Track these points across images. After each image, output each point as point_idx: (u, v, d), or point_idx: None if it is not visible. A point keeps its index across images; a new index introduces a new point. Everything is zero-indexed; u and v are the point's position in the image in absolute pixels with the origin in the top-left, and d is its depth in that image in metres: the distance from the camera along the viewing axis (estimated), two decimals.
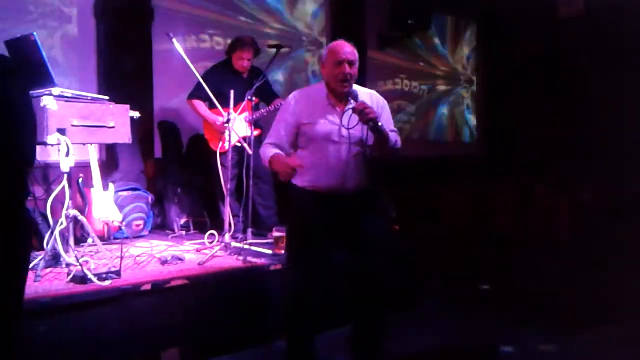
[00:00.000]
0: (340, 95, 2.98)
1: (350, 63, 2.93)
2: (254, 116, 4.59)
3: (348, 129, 2.93)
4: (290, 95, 3.12)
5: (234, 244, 4.22)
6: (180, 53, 4.23)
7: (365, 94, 3.06)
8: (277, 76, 6.37)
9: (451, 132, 9.01)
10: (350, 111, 2.91)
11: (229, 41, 5.11)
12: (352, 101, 2.92)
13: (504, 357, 3.66)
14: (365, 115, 2.82)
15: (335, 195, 3.00)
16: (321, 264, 3.12)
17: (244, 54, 4.77)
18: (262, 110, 4.72)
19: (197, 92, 4.61)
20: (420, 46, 8.36)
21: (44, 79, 3.52)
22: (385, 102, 3.16)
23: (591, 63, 7.77)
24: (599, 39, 7.62)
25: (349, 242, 3.12)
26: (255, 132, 4.54)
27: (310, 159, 2.98)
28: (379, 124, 2.86)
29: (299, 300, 3.10)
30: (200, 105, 4.70)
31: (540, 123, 8.25)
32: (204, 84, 4.33)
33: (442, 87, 8.82)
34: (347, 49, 2.96)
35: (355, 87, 3.02)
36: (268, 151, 3.01)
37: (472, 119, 9.33)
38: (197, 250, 4.26)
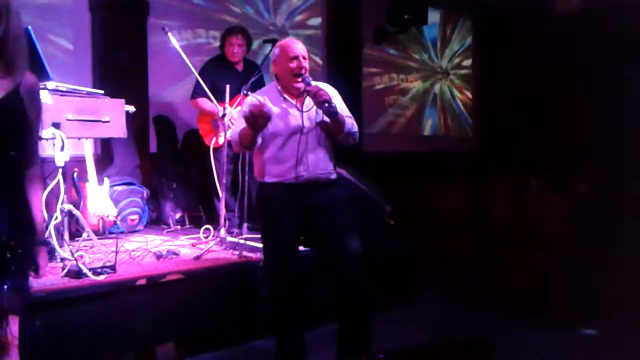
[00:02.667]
0: (293, 91, 3.11)
1: (304, 57, 3.09)
2: None
3: (302, 112, 3.05)
4: (248, 99, 3.24)
5: (229, 238, 4.22)
6: (176, 47, 4.22)
7: (320, 84, 3.17)
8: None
9: (446, 128, 9.02)
10: (305, 94, 3.05)
11: None
12: (305, 86, 3.05)
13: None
14: (319, 97, 2.96)
15: (304, 186, 3.08)
16: (298, 259, 3.17)
17: (233, 39, 4.76)
18: None
19: (198, 90, 4.60)
20: (416, 42, 8.35)
21: (39, 73, 3.49)
22: (336, 91, 3.25)
23: (588, 59, 7.77)
24: (597, 35, 7.63)
25: (319, 236, 3.17)
26: None
27: (275, 154, 3.08)
28: (333, 105, 2.98)
29: (281, 297, 3.14)
30: (205, 102, 4.66)
31: (535, 119, 8.26)
32: (201, 82, 4.33)
33: (437, 83, 8.83)
34: (300, 45, 3.13)
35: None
36: (234, 133, 3.13)
37: (467, 115, 9.34)
38: (193, 245, 4.26)
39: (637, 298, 3.90)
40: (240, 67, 4.85)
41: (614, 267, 4.42)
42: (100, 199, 4.39)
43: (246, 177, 4.33)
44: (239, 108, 4.53)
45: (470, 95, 9.34)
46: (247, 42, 4.83)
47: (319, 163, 3.12)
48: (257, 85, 4.58)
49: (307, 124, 3.07)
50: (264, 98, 3.14)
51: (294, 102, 3.11)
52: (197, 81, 4.41)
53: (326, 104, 2.96)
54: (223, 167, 4.38)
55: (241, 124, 3.05)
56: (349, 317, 3.19)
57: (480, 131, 9.29)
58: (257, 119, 2.88)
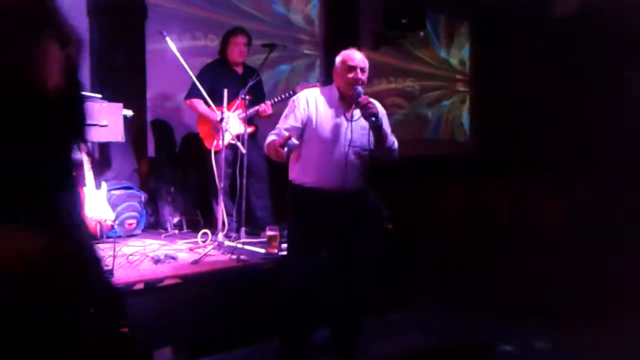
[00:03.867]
0: (347, 100, 3.14)
1: (362, 70, 3.14)
2: (248, 113, 4.58)
3: (351, 121, 3.09)
4: (301, 94, 3.24)
5: (227, 242, 4.21)
6: (173, 52, 4.21)
7: (372, 100, 3.21)
8: (274, 75, 6.36)
9: (445, 131, 9.03)
10: (354, 106, 3.09)
11: None
12: (356, 97, 3.08)
13: (503, 354, 3.67)
14: (367, 109, 3.00)
15: (334, 195, 3.11)
16: (320, 261, 3.22)
17: (238, 39, 4.76)
18: (251, 110, 4.65)
19: (194, 91, 4.58)
20: (414, 46, 8.36)
21: None
22: (383, 110, 3.28)
23: (588, 60, 7.78)
24: (596, 36, 7.64)
25: (341, 244, 3.21)
26: (249, 130, 4.52)
27: (314, 158, 3.12)
28: (380, 119, 3.03)
29: (298, 298, 3.16)
30: (200, 104, 4.66)
31: (535, 122, 8.26)
32: (198, 84, 4.32)
33: (436, 87, 8.84)
34: (359, 57, 3.19)
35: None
36: (268, 140, 3.13)
37: (466, 118, 9.35)
38: (191, 250, 4.25)
39: (638, 299, 3.90)
40: (239, 70, 4.85)
41: (614, 268, 4.42)
42: (98, 203, 4.38)
43: (244, 181, 4.33)
44: (238, 112, 4.54)
45: (470, 98, 9.35)
46: (249, 43, 4.84)
47: (356, 175, 3.16)
48: (256, 90, 4.59)
49: (352, 135, 3.10)
50: (317, 96, 3.17)
51: (346, 114, 3.14)
52: (193, 82, 4.41)
53: (373, 118, 3.00)
54: (222, 171, 4.37)
55: (284, 124, 3.13)
56: (346, 322, 3.22)
57: (478, 133, 9.30)
58: (275, 150, 2.97)
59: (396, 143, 3.27)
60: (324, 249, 3.29)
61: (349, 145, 3.09)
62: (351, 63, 3.13)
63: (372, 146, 3.15)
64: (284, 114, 3.23)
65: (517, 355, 3.64)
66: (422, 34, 8.17)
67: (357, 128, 3.12)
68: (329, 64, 7.32)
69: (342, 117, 3.13)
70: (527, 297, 4.37)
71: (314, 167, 3.12)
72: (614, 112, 7.30)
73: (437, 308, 4.45)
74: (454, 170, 7.33)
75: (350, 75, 3.11)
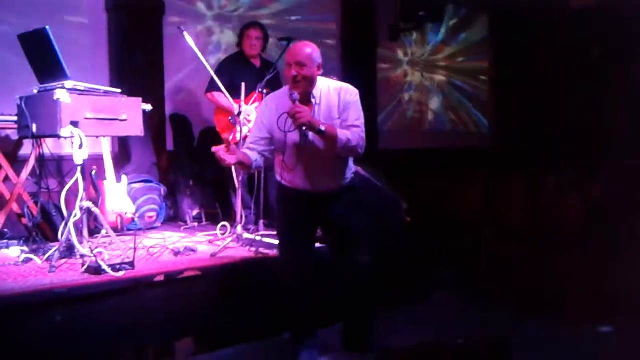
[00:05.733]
0: (304, 97, 2.98)
1: (299, 64, 2.91)
2: None
3: (285, 132, 2.91)
4: (267, 99, 3.20)
5: (246, 235, 4.23)
6: (191, 46, 4.24)
7: (333, 90, 3.05)
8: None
9: (462, 124, 8.97)
10: (285, 115, 2.90)
11: None
12: (323, 96, 2.98)
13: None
14: (296, 120, 2.82)
15: (316, 194, 3.11)
16: (311, 256, 3.23)
17: (252, 33, 4.79)
18: None
19: (214, 85, 4.60)
20: (431, 38, 8.32)
21: (57, 72, 3.55)
22: (356, 95, 3.08)
23: (608, 55, 7.68)
24: (614, 30, 7.53)
25: (333, 235, 3.25)
26: None
27: (286, 162, 3.07)
28: (319, 126, 2.84)
29: (294, 292, 3.19)
30: (221, 97, 4.65)
31: (552, 115, 8.18)
32: (215, 78, 4.34)
33: (453, 79, 8.78)
34: (297, 50, 2.95)
35: (323, 82, 3.05)
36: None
37: (484, 111, 9.27)
38: (210, 242, 4.29)
39: None
40: (257, 63, 4.88)
41: (630, 265, 4.37)
42: (119, 196, 4.44)
43: (262, 174, 4.35)
44: (255, 105, 4.55)
45: (488, 91, 9.28)
46: (265, 37, 4.86)
47: (324, 178, 3.10)
48: (273, 83, 4.60)
49: (313, 137, 2.92)
50: (275, 100, 3.09)
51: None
52: (212, 76, 4.43)
53: (304, 128, 2.83)
54: None
55: (256, 132, 3.11)
56: (355, 315, 3.22)
57: (497, 127, 9.23)
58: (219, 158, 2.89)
59: (357, 139, 2.98)
60: (313, 244, 3.30)
61: (310, 150, 2.95)
62: (287, 59, 2.94)
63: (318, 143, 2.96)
64: (254, 122, 3.22)
65: (533, 346, 3.62)
66: (438, 25, 8.15)
67: (289, 128, 2.90)
68: (346, 56, 7.38)
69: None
70: (544, 292, 4.35)
71: (287, 171, 3.09)
72: (631, 104, 7.21)
73: (454, 303, 4.44)
74: (471, 164, 7.29)
75: (288, 73, 2.92)
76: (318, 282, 3.24)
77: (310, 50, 2.96)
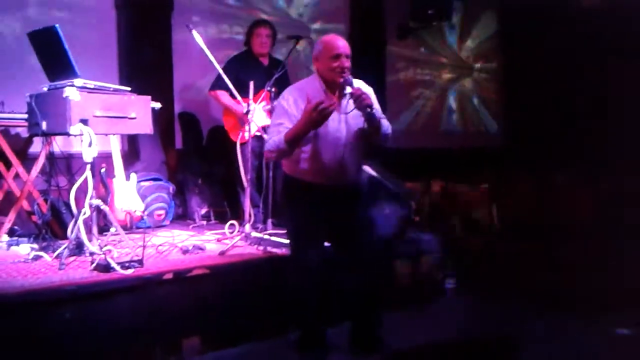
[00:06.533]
0: (334, 87, 3.03)
1: (347, 57, 2.99)
2: (273, 105, 4.58)
3: (345, 113, 2.97)
4: (286, 94, 3.10)
5: (254, 234, 4.23)
6: (200, 44, 4.24)
7: (357, 82, 3.09)
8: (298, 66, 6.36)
9: (472, 123, 8.94)
10: (347, 96, 2.95)
11: None
12: (347, 88, 2.96)
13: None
14: (362, 100, 2.87)
15: (332, 188, 3.07)
16: (321, 252, 3.19)
17: (262, 31, 4.78)
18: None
19: (219, 83, 4.61)
20: (440, 36, 8.29)
21: (67, 70, 3.56)
22: (371, 90, 3.17)
23: (615, 52, 7.63)
24: (623, 28, 7.48)
25: (342, 236, 3.20)
26: None
27: (310, 153, 3.02)
28: (375, 110, 2.94)
29: (304, 289, 3.16)
30: (224, 95, 4.68)
31: (561, 113, 8.14)
32: (224, 76, 4.34)
33: (462, 78, 8.75)
34: (343, 43, 3.01)
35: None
36: (276, 138, 2.98)
37: (493, 109, 9.24)
38: (218, 240, 4.29)
39: None
40: (265, 62, 4.87)
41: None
42: (128, 194, 4.45)
43: (271, 173, 4.35)
44: (263, 103, 4.55)
45: (494, 89, 9.24)
46: (273, 35, 4.85)
47: (351, 168, 3.10)
48: (281, 82, 4.59)
49: (345, 126, 3.01)
50: (301, 94, 3.03)
51: (335, 101, 3.00)
52: (219, 74, 4.42)
53: (368, 109, 2.89)
54: (248, 163, 4.40)
55: (281, 127, 2.97)
56: (362, 315, 3.22)
57: (505, 125, 9.19)
58: (322, 116, 2.81)
59: (390, 127, 3.14)
60: (326, 242, 3.27)
61: (345, 138, 3.01)
62: (336, 51, 2.97)
63: (366, 127, 3.02)
64: (274, 117, 3.12)
65: (545, 342, 3.60)
66: (448, 24, 8.11)
67: (350, 119, 3.00)
68: (354, 55, 7.35)
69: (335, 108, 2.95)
70: (555, 289, 4.33)
71: (310, 164, 3.03)
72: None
73: (463, 301, 4.42)
74: (480, 161, 7.27)
75: (336, 64, 2.95)
76: (327, 281, 3.23)
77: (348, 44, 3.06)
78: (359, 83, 3.09)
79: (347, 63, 2.97)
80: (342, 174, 3.06)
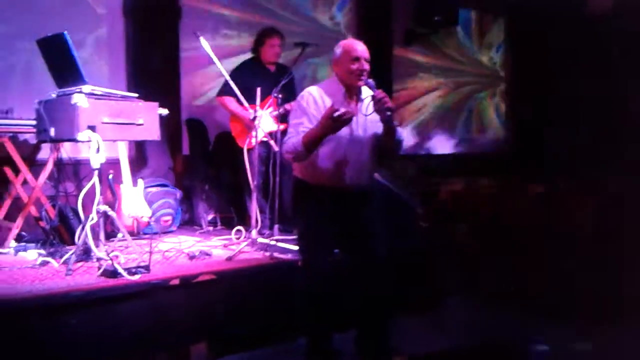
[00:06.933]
0: (353, 91, 3.07)
1: (366, 60, 3.04)
2: (280, 111, 4.59)
3: (366, 115, 3.00)
4: (305, 94, 3.10)
5: (260, 239, 4.24)
6: (207, 51, 4.26)
7: (365, 89, 3.12)
8: (305, 72, 6.38)
9: (477, 129, 8.92)
10: (369, 99, 2.99)
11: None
12: (368, 90, 3.00)
13: (537, 354, 3.61)
14: (383, 103, 2.91)
15: (345, 192, 3.07)
16: (331, 259, 3.20)
17: (274, 41, 4.80)
18: (287, 105, 4.68)
19: (226, 89, 4.62)
20: (447, 42, 8.29)
21: (75, 77, 3.58)
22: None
23: (621, 59, 7.61)
24: (630, 35, 7.46)
25: (355, 242, 3.19)
26: (282, 127, 4.55)
27: (326, 156, 3.03)
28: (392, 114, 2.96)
29: (315, 294, 3.14)
30: (231, 102, 4.71)
31: (567, 120, 8.12)
32: (231, 82, 4.36)
33: (469, 84, 8.74)
34: (362, 47, 3.07)
35: None
36: (294, 140, 2.99)
37: (499, 116, 9.22)
38: (225, 246, 4.30)
39: None
40: (272, 69, 4.89)
41: None
42: (135, 200, 4.47)
43: (277, 179, 4.36)
44: (269, 110, 4.56)
45: (503, 96, 9.23)
46: (283, 43, 4.88)
47: (364, 173, 3.12)
48: (288, 88, 4.61)
49: (362, 130, 3.04)
50: (323, 94, 3.06)
51: (352, 104, 3.06)
52: (226, 80, 4.44)
53: (388, 113, 2.93)
54: (255, 169, 4.40)
55: (300, 127, 2.98)
56: (368, 322, 3.21)
57: (512, 132, 9.17)
58: (339, 123, 2.84)
59: (403, 134, 3.19)
60: (336, 248, 3.27)
61: (361, 142, 3.04)
62: (355, 54, 3.02)
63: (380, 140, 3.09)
64: (293, 117, 3.12)
65: (552, 355, 3.58)
66: (453, 30, 8.11)
67: (367, 123, 3.03)
68: None
69: (351, 109, 2.98)
70: (559, 296, 4.30)
71: (325, 166, 3.04)
72: None
73: (468, 308, 4.41)
74: (487, 168, 7.25)
75: (355, 67, 3.00)
76: (336, 286, 3.22)
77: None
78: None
79: (366, 66, 3.02)
80: (356, 177, 3.07)
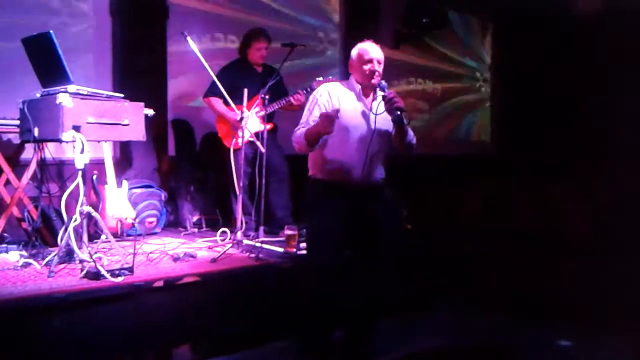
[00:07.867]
0: (368, 90, 3.23)
1: (378, 62, 3.20)
2: (266, 111, 4.58)
3: (376, 114, 3.12)
4: (321, 88, 3.26)
5: (246, 241, 4.23)
6: (194, 51, 4.24)
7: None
8: (292, 72, 6.36)
9: (467, 131, 8.97)
10: (379, 98, 3.12)
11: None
12: (380, 91, 3.15)
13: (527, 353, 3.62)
14: (393, 103, 3.03)
15: (358, 188, 3.14)
16: (342, 257, 3.21)
17: (261, 44, 4.83)
18: (274, 104, 4.70)
19: (213, 90, 4.61)
20: (435, 45, 8.32)
21: (61, 76, 3.55)
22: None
23: (610, 61, 7.67)
24: (619, 36, 7.52)
25: (363, 241, 3.19)
26: (268, 127, 4.54)
27: (337, 150, 3.14)
28: (403, 114, 3.07)
29: (320, 297, 3.14)
30: (218, 103, 4.71)
31: (557, 122, 8.17)
32: (218, 83, 4.34)
33: (457, 86, 8.79)
34: (375, 49, 3.24)
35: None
36: (302, 131, 3.13)
37: (488, 118, 9.28)
38: (209, 248, 4.28)
39: None
40: (259, 69, 4.89)
41: (635, 269, 4.36)
42: (119, 201, 4.43)
43: (263, 180, 4.34)
44: (256, 109, 4.56)
45: (492, 98, 9.28)
46: (269, 42, 4.89)
47: (376, 168, 3.22)
48: (275, 89, 4.60)
49: (375, 128, 3.13)
50: (339, 91, 3.20)
51: (368, 103, 3.20)
52: (213, 81, 4.43)
53: (398, 112, 3.03)
54: (241, 170, 4.39)
55: (311, 118, 3.13)
56: (357, 322, 3.21)
57: (501, 134, 9.22)
58: (323, 125, 2.96)
59: (414, 136, 3.28)
60: (345, 246, 3.25)
61: (373, 137, 3.12)
62: (367, 56, 3.18)
63: (392, 139, 3.20)
64: (308, 108, 3.25)
65: (539, 354, 3.60)
66: (442, 33, 8.14)
67: (380, 121, 3.14)
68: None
69: (366, 110, 3.18)
70: (549, 298, 4.33)
71: (337, 159, 3.14)
72: (636, 109, 7.18)
73: (457, 310, 4.42)
74: (476, 171, 7.28)
75: (367, 68, 3.16)
76: (344, 285, 3.23)
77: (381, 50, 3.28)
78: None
79: (379, 67, 3.18)
80: (367, 172, 3.15)
